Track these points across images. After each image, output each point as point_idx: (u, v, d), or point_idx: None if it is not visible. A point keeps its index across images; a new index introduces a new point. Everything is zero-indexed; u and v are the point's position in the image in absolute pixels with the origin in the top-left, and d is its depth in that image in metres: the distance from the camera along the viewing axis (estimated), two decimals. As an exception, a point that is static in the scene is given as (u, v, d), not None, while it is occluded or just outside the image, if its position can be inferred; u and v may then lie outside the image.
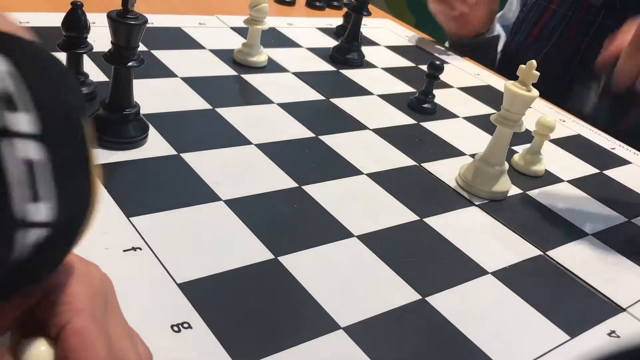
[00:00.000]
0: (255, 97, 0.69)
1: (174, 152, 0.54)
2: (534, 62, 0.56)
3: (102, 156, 0.51)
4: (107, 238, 0.42)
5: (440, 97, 0.80)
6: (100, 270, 0.29)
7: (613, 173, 0.72)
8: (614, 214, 0.62)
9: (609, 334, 0.45)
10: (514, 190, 0.62)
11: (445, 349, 0.40)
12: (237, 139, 0.59)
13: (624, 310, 0.48)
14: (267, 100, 0.68)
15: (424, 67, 0.90)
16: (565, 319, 0.45)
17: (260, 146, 0.59)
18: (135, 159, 0.52)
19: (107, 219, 0.44)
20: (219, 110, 0.63)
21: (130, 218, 0.44)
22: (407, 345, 0.40)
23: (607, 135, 0.83)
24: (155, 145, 0.54)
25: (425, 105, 0.75)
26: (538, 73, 0.56)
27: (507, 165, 0.60)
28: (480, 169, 0.59)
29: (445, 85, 0.85)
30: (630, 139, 0.82)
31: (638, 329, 0.46)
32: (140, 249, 0.42)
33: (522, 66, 0.56)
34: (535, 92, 0.56)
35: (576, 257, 0.53)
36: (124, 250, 0.41)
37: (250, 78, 0.72)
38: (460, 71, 0.93)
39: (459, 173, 0.61)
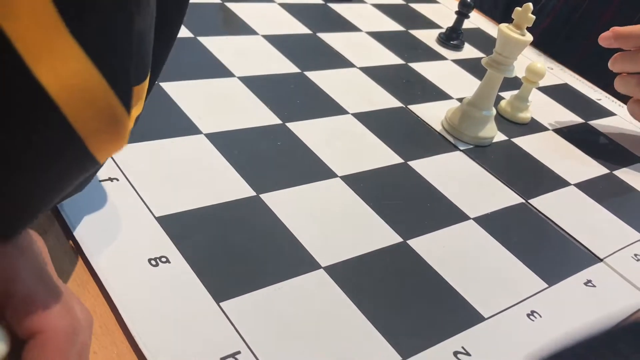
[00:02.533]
0: (239, 28, 0.66)
1: (154, 81, 0.52)
2: (530, 5, 0.54)
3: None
4: (83, 167, 0.40)
5: (427, 37, 0.78)
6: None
7: (598, 124, 0.71)
8: (596, 165, 0.62)
9: (586, 284, 0.45)
10: (499, 137, 0.61)
11: (424, 291, 0.40)
12: (220, 70, 0.57)
13: (601, 260, 0.48)
14: (252, 31, 0.66)
15: (414, 6, 0.87)
16: (543, 267, 0.45)
17: (244, 79, 0.57)
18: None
19: (83, 148, 0.42)
20: (201, 39, 0.61)
21: (107, 147, 0.43)
22: (387, 286, 0.39)
23: (593, 86, 0.82)
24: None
25: (453, 42, 0.77)
26: (534, 17, 0.54)
27: (494, 111, 0.59)
28: (468, 113, 0.58)
29: (435, 26, 0.83)
30: (617, 92, 0.81)
31: (614, 279, 0.47)
32: (117, 179, 0.40)
33: (518, 9, 0.55)
34: (529, 36, 0.55)
35: (557, 207, 0.53)
36: (101, 180, 0.40)
37: (234, 7, 0.69)
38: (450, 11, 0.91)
39: (445, 117, 0.60)
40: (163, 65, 0.32)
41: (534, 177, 0.57)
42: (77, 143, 0.22)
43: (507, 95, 0.68)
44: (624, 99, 0.81)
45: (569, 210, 0.53)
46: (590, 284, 0.45)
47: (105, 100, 0.22)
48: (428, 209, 0.48)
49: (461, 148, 0.57)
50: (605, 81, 0.83)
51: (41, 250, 0.27)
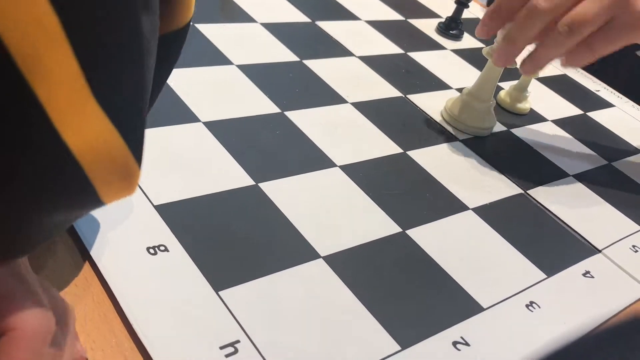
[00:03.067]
0: (237, 15, 0.65)
1: None
2: None
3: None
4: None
5: (426, 26, 0.78)
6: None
7: (596, 115, 0.71)
8: (595, 156, 0.62)
9: (584, 275, 0.45)
10: (498, 127, 0.61)
11: (423, 281, 0.40)
12: (218, 58, 0.56)
13: (600, 251, 0.48)
14: (251, 19, 0.65)
15: (414, -5, 0.87)
16: (542, 257, 0.45)
17: (242, 67, 0.56)
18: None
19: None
20: (199, 26, 0.60)
21: (104, 135, 0.42)
22: (385, 276, 0.39)
23: (592, 77, 0.82)
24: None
25: (452, 32, 0.77)
26: None
27: (494, 102, 0.59)
28: (468, 103, 0.58)
29: (434, 15, 0.82)
30: (615, 83, 0.81)
31: (612, 270, 0.47)
32: (115, 168, 0.40)
33: None
34: None
35: (556, 197, 0.53)
36: (98, 169, 0.39)
37: (233, -5, 0.69)
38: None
39: (445, 107, 0.60)
40: (162, 88, 0.34)
41: (532, 168, 0.57)
42: (91, 192, 0.23)
43: (507, 85, 0.68)
44: (623, 90, 0.80)
45: (568, 201, 0.53)
46: (588, 275, 0.45)
47: (122, 156, 0.23)
48: (427, 199, 0.48)
49: (460, 138, 0.57)
50: (603, 73, 0.83)
51: None
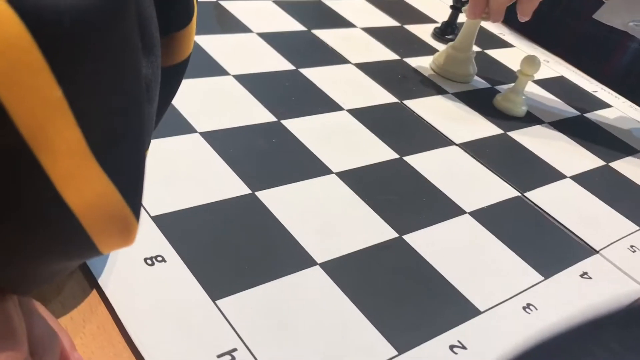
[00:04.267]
0: (233, 26, 0.66)
1: None
2: None
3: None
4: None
5: (422, 31, 0.78)
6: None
7: (594, 116, 0.71)
8: (592, 157, 0.62)
9: (582, 276, 0.45)
10: (495, 131, 0.62)
11: (420, 285, 0.40)
12: (214, 68, 0.57)
13: (597, 252, 0.48)
14: (246, 29, 0.66)
15: (409, 0, 0.87)
16: (539, 259, 0.45)
17: (238, 77, 0.57)
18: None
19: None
20: (196, 38, 0.60)
21: (102, 148, 0.43)
22: (382, 281, 0.40)
23: (589, 78, 0.82)
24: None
25: (448, 36, 0.78)
26: None
27: (474, 53, 0.69)
28: (451, 54, 0.68)
29: (430, 20, 0.83)
30: (612, 84, 0.82)
31: (610, 271, 0.47)
32: (113, 180, 0.40)
33: None
34: None
35: (553, 199, 0.53)
36: (96, 181, 0.40)
37: (228, 5, 0.69)
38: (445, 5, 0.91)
39: (433, 60, 0.70)
40: (164, 114, 0.35)
41: (529, 170, 0.57)
42: (90, 245, 0.24)
43: (503, 89, 0.69)
44: (620, 90, 0.81)
45: (565, 203, 0.53)
46: (586, 276, 0.45)
47: (121, 212, 0.24)
48: (424, 204, 0.48)
49: (457, 142, 0.57)
50: (598, 70, 0.83)
51: None
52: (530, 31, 0.86)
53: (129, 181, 0.24)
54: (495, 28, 0.87)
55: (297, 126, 0.52)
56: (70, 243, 0.24)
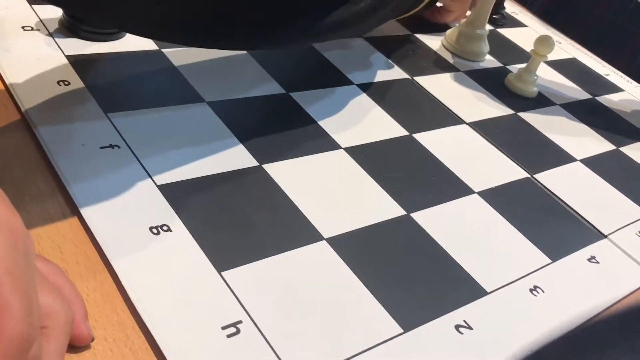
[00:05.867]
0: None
1: (155, 48, 0.51)
2: None
3: (78, 47, 0.48)
4: (84, 133, 0.40)
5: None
6: (21, 221, 0.24)
7: (605, 99, 0.70)
8: (603, 141, 0.61)
9: (589, 260, 0.45)
10: (506, 111, 0.61)
11: (427, 264, 0.40)
12: (223, 38, 0.56)
13: (606, 237, 0.48)
14: None
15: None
16: (547, 242, 0.45)
17: (248, 47, 0.55)
18: (113, 52, 0.48)
19: (84, 114, 0.41)
20: (205, 6, 0.59)
21: (108, 114, 0.42)
22: (389, 259, 0.39)
23: (601, 61, 0.81)
24: (135, 39, 0.51)
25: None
26: None
27: (487, 31, 0.68)
28: (464, 32, 0.67)
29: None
30: (624, 68, 0.80)
31: (618, 256, 0.46)
32: (119, 147, 0.40)
33: None
34: None
35: (562, 182, 0.52)
36: (101, 147, 0.39)
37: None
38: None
39: (445, 37, 0.69)
40: None
41: (539, 152, 0.56)
42: None
43: (515, 69, 0.67)
44: (632, 74, 0.80)
45: (574, 186, 0.53)
46: (593, 260, 0.45)
47: None
48: (432, 182, 0.47)
49: (467, 121, 0.56)
50: (612, 55, 0.82)
51: None
52: (544, 13, 0.85)
53: None
54: (508, 7, 0.86)
55: (305, 100, 0.51)
56: None
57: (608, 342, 0.38)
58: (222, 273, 0.34)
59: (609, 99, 0.70)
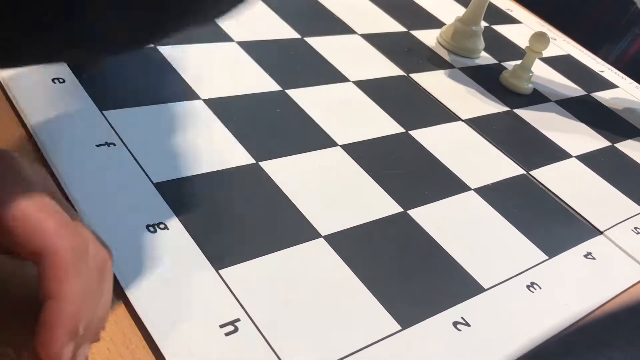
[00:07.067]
0: (238, -8, 0.64)
1: (151, 44, 0.50)
2: None
3: (73, 43, 0.47)
4: (79, 131, 0.39)
5: (431, 4, 0.77)
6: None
7: (600, 96, 0.70)
8: (598, 137, 0.61)
9: (585, 256, 0.45)
10: (501, 107, 0.61)
11: (424, 261, 0.40)
12: (218, 35, 0.56)
13: (601, 233, 0.48)
14: (251, -4, 0.64)
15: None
16: (543, 238, 0.45)
17: (243, 44, 0.55)
18: (109, 49, 0.48)
19: (79, 111, 0.41)
20: (200, 2, 0.59)
21: (103, 112, 0.42)
22: (386, 256, 0.39)
23: (596, 58, 0.81)
24: (131, 36, 0.50)
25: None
26: None
27: (482, 28, 0.68)
28: (459, 28, 0.67)
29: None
30: (618, 65, 0.81)
31: (613, 252, 0.46)
32: (114, 144, 0.40)
33: None
34: None
35: (558, 178, 0.53)
36: (97, 145, 0.39)
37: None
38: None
39: (440, 34, 0.69)
40: None
41: (535, 149, 0.56)
42: None
43: (510, 65, 0.68)
44: (626, 71, 0.80)
45: (570, 182, 0.53)
46: (590, 257, 0.45)
47: None
48: (429, 179, 0.47)
49: (463, 118, 0.56)
50: (607, 54, 0.82)
51: (46, 176, 0.27)
52: (538, 10, 0.85)
53: None
54: (503, 3, 0.86)
55: (301, 96, 0.51)
56: None
57: (604, 338, 0.38)
58: (220, 271, 0.34)
59: (604, 96, 0.71)
